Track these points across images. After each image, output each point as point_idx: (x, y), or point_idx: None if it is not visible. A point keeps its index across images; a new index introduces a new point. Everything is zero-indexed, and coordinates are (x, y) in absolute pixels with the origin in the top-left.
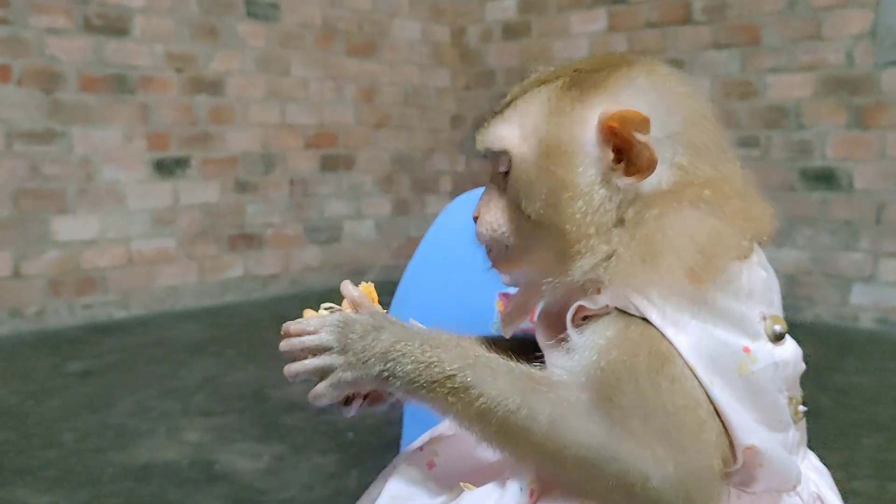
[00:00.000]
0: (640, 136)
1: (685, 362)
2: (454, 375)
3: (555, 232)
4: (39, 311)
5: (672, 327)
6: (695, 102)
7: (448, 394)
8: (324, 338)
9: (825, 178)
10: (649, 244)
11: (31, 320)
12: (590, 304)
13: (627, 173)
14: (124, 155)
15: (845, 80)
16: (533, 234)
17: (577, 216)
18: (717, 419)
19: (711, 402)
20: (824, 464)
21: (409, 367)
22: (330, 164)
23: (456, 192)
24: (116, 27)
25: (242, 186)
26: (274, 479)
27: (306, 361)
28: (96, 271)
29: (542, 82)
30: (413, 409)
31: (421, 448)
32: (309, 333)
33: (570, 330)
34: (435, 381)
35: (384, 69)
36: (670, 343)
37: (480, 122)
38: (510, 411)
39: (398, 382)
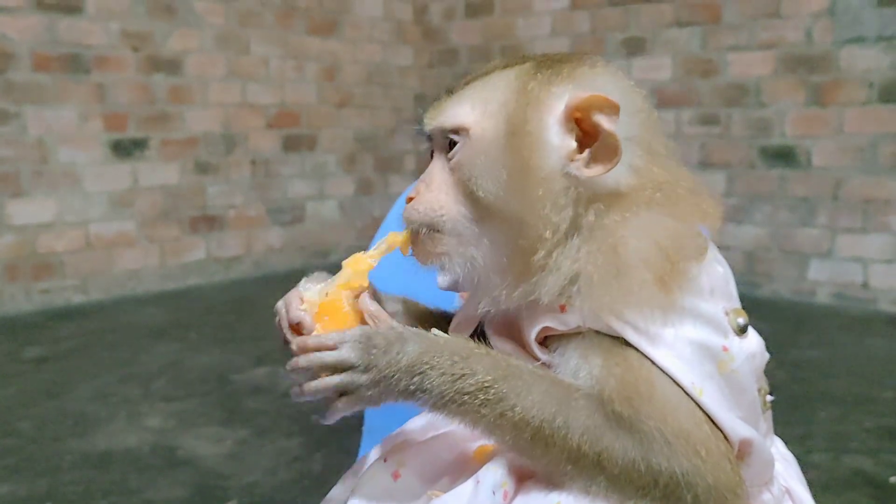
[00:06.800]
0: (607, 124)
1: (672, 379)
2: (488, 387)
3: (509, 220)
4: None
5: (651, 345)
6: (649, 105)
7: (481, 405)
8: (345, 355)
9: (784, 156)
10: (617, 258)
11: None
12: (557, 325)
13: (589, 164)
14: (80, 136)
15: (804, 57)
16: (483, 221)
17: (537, 205)
18: (715, 427)
19: (703, 411)
20: (781, 437)
21: (438, 380)
22: (292, 144)
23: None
24: (69, 4)
25: (203, 167)
26: (237, 463)
27: (327, 380)
28: (53, 255)
29: (505, 66)
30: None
31: (385, 459)
32: (328, 349)
33: (538, 351)
34: (467, 394)
35: (346, 47)
36: (652, 362)
37: (428, 105)
38: (545, 421)
39: (426, 396)
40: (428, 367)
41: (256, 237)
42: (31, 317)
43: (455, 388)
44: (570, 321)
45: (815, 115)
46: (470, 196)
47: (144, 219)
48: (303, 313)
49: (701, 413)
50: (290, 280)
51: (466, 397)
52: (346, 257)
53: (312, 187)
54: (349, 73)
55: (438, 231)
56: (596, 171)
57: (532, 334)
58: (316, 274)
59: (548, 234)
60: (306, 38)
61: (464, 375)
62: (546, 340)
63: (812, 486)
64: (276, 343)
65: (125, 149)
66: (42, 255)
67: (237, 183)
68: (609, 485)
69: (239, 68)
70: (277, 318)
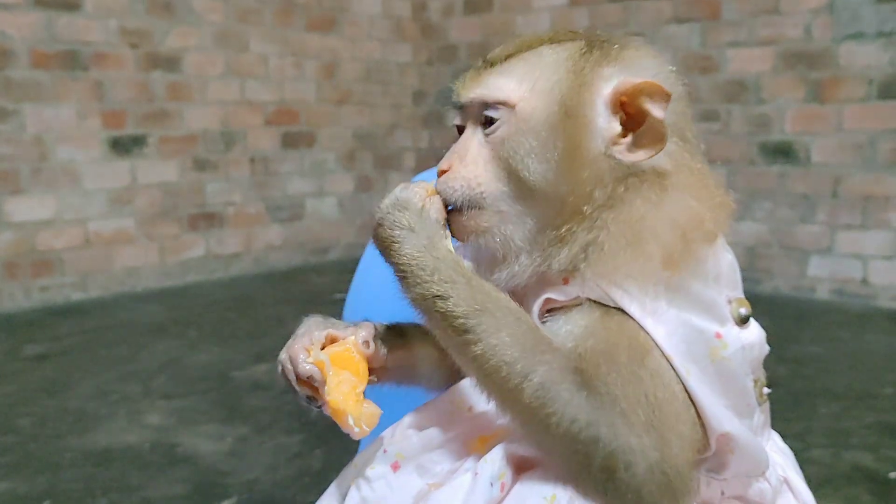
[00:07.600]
0: (658, 112)
1: (662, 353)
2: (457, 316)
3: (552, 200)
4: None
5: (650, 318)
6: (686, 91)
7: (445, 328)
8: (388, 201)
9: (783, 152)
10: (632, 230)
11: None
12: (559, 296)
13: (632, 148)
14: (79, 133)
15: (804, 54)
16: (524, 199)
17: (582, 186)
18: (692, 409)
19: (686, 391)
20: (781, 433)
21: (412, 289)
22: (291, 142)
23: (419, 169)
24: (68, 1)
25: (202, 165)
26: (237, 460)
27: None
28: (52, 253)
29: (552, 41)
30: (375, 393)
31: (385, 450)
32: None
33: (538, 322)
34: (435, 312)
35: (345, 44)
36: (647, 334)
37: (462, 73)
38: (504, 364)
39: (402, 292)
40: (409, 272)
41: (256, 234)
42: (31, 314)
43: (425, 304)
44: (570, 291)
45: (814, 111)
46: (512, 173)
47: (143, 216)
48: (312, 366)
49: (679, 388)
50: (289, 277)
51: (434, 315)
52: (346, 255)
53: (312, 185)
54: (348, 71)
55: (479, 208)
56: (639, 156)
57: (536, 308)
58: (312, 318)
59: (586, 208)
60: (305, 36)
61: (436, 297)
62: (548, 315)
63: (812, 481)
64: (276, 342)
65: (124, 146)
66: (41, 253)
67: (236, 180)
68: (547, 447)
69: (238, 66)
70: (281, 368)
